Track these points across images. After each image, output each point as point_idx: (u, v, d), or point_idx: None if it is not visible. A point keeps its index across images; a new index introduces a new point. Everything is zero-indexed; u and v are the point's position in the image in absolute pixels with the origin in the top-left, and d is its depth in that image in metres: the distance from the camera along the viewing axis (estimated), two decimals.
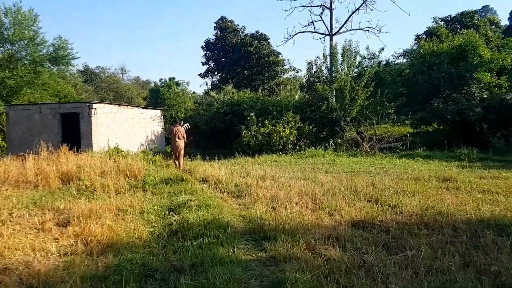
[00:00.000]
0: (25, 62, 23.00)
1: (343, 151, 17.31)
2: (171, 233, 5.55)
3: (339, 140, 18.20)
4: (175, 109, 24.46)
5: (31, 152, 11.39)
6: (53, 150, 12.08)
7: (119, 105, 18.09)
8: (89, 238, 5.34)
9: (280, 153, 17.15)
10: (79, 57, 29.96)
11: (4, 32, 22.55)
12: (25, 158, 11.16)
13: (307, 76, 20.65)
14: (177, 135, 12.86)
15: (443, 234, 5.24)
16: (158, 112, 20.83)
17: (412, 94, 19.91)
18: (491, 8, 63.80)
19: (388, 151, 16.94)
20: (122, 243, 5.21)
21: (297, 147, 17.80)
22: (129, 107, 18.97)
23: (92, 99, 33.78)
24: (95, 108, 15.97)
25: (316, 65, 20.31)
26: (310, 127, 18.34)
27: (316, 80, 19.92)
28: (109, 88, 50.09)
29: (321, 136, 19.09)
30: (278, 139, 17.34)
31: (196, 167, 11.66)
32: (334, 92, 19.11)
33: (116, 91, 49.97)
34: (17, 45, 23.27)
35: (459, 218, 5.92)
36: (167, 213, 6.73)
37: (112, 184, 8.98)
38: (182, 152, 12.93)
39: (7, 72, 21.01)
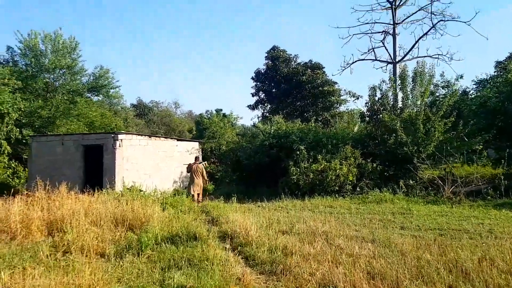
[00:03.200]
0: (62, 91, 22.03)
1: (416, 195, 13.62)
2: None
3: (411, 182, 14.45)
4: (217, 141, 22.11)
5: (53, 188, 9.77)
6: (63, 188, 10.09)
7: (149, 136, 15.98)
8: None
9: (336, 195, 13.85)
10: (120, 86, 29.15)
11: (41, 60, 21.80)
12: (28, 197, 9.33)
13: (369, 103, 17.29)
14: (197, 172, 12.32)
15: None
16: (195, 145, 18.44)
17: (500, 126, 15.94)
18: None
19: (477, 197, 13.08)
20: None
21: (358, 189, 14.38)
22: (161, 138, 16.80)
23: (143, 133, 32.87)
24: (121, 140, 13.93)
25: (381, 90, 16.98)
26: (374, 165, 14.85)
27: (381, 108, 16.56)
28: (161, 122, 50.20)
29: (387, 175, 15.50)
30: (333, 178, 14.10)
31: (223, 214, 8.83)
32: (401, 123, 15.63)
33: (168, 125, 49.91)
34: (54, 74, 22.49)
35: None
36: None
37: (96, 241, 6.42)
38: (201, 189, 12.91)
39: (40, 102, 19.98)
